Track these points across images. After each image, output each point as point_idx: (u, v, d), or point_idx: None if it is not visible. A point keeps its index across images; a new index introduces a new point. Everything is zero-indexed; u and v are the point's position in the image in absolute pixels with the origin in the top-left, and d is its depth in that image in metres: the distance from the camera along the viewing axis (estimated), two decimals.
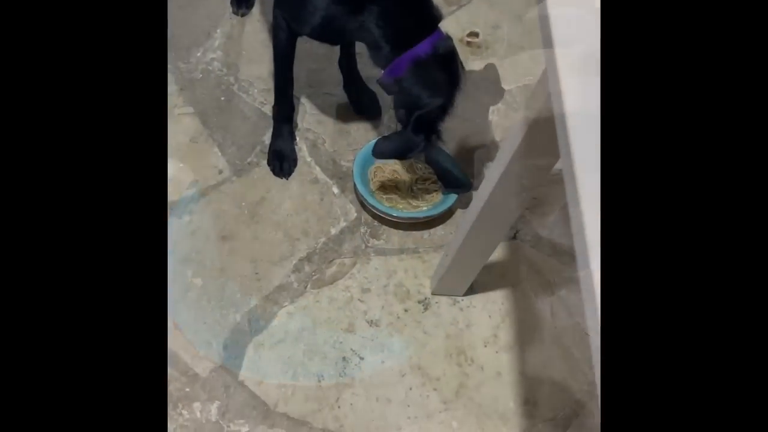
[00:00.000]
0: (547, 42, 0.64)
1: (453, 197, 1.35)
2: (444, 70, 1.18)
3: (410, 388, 1.13)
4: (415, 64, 1.16)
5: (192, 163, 1.41)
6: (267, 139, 1.46)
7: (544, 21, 0.66)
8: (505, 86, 1.56)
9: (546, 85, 0.76)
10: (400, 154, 1.27)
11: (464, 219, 1.07)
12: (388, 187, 1.38)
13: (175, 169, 1.39)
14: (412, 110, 1.19)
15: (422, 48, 1.15)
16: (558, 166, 0.66)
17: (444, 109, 1.18)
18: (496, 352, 1.19)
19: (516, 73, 1.67)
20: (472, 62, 1.66)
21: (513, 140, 0.87)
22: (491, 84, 1.47)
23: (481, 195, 0.98)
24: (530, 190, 0.93)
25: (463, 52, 1.69)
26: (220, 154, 1.43)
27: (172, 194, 1.35)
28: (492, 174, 0.94)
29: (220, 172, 1.40)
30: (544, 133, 0.81)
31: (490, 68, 1.42)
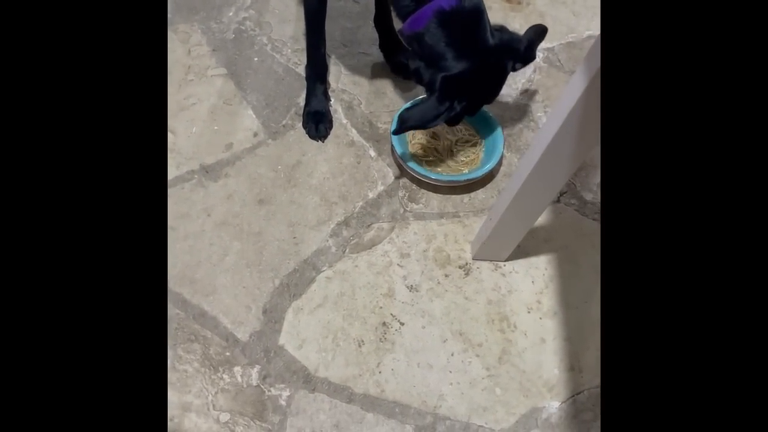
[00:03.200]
0: None
1: (494, 160, 1.31)
2: (469, 28, 1.09)
3: (452, 354, 1.12)
4: (437, 17, 1.08)
5: (226, 125, 1.39)
6: (301, 100, 1.43)
7: None
8: (548, 44, 1.50)
9: None
10: (425, 123, 1.15)
11: (511, 182, 1.03)
12: (427, 149, 1.34)
13: (209, 131, 1.37)
14: (434, 70, 1.11)
15: (447, 0, 1.08)
16: None
17: (472, 75, 1.10)
18: (540, 318, 1.16)
19: (558, 30, 1.61)
20: (512, 19, 1.60)
21: (568, 100, 0.82)
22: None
23: (530, 158, 0.94)
24: (584, 153, 0.89)
25: (502, 8, 1.64)
26: (254, 116, 1.41)
27: (207, 157, 1.33)
28: (543, 136, 0.89)
29: (255, 134, 1.38)
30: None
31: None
